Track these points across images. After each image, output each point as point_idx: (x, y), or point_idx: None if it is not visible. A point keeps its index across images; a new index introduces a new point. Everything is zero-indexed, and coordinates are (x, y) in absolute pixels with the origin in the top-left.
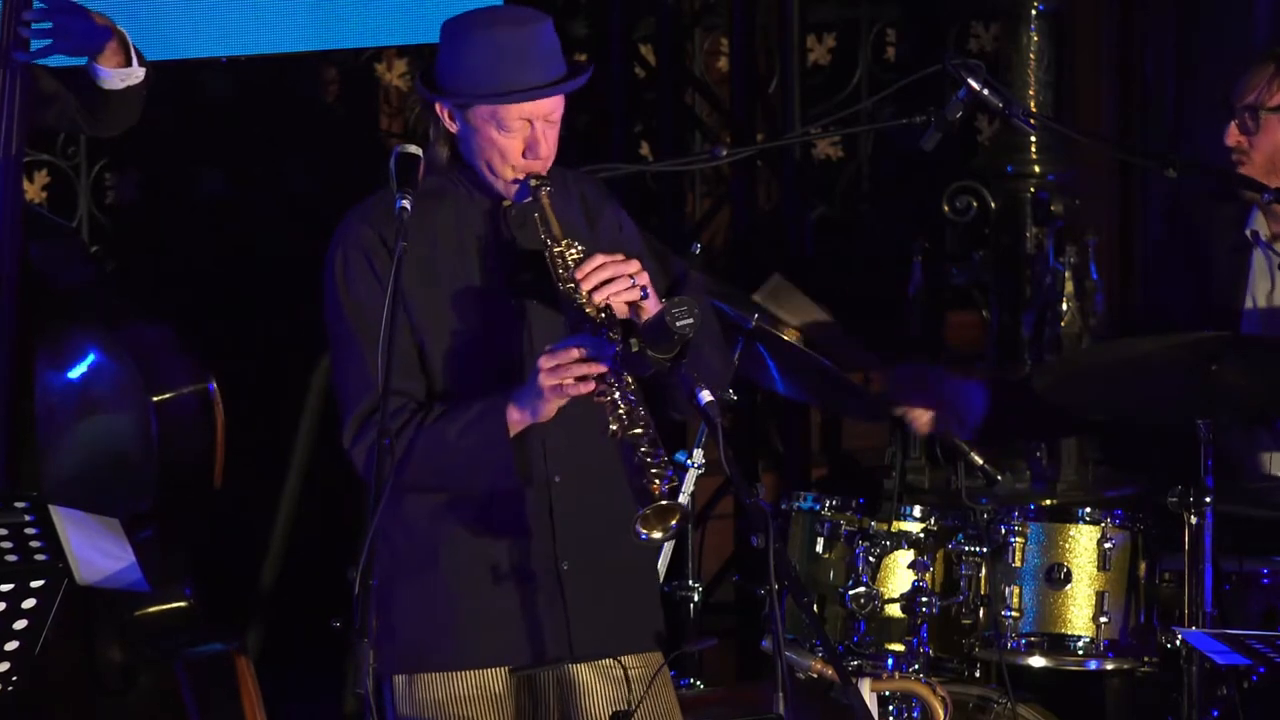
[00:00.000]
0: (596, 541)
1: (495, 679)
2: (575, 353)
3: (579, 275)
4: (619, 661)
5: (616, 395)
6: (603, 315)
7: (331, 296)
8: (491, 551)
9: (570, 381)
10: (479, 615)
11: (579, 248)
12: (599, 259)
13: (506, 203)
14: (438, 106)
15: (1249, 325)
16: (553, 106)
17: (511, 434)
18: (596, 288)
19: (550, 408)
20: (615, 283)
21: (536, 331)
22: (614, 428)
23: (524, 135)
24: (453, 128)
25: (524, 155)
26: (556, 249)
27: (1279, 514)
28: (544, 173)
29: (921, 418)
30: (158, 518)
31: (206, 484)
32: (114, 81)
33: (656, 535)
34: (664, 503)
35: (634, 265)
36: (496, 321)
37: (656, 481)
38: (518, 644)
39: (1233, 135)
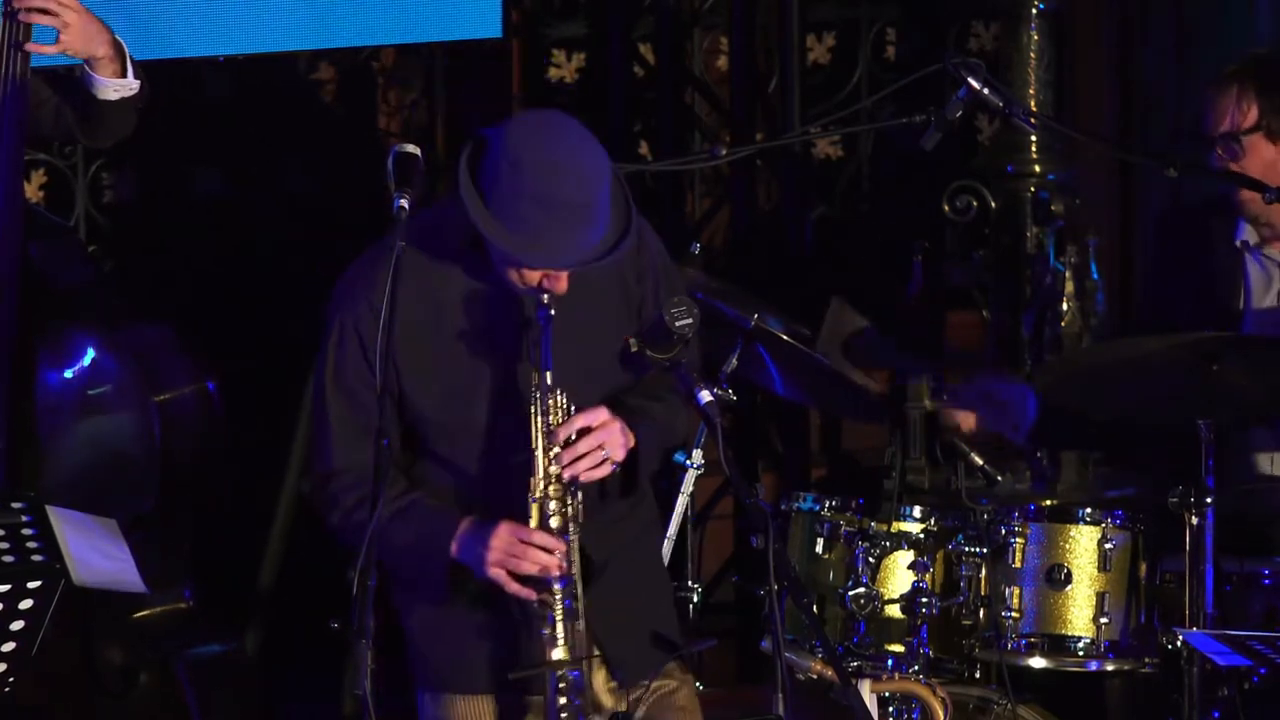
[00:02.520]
0: (610, 569)
1: (521, 705)
2: (528, 554)
3: (555, 440)
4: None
5: (556, 605)
6: (568, 494)
7: (321, 365)
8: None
9: (513, 581)
10: (497, 644)
11: (565, 404)
12: (578, 424)
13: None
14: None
15: (1250, 327)
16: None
17: (449, 562)
18: (570, 464)
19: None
20: (587, 458)
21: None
22: (545, 632)
23: (543, 273)
24: (478, 230)
25: (539, 284)
26: (546, 399)
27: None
28: (560, 293)
29: (967, 420)
30: (158, 519)
31: (207, 485)
32: (108, 92)
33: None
34: None
35: (612, 431)
36: (495, 387)
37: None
38: (539, 675)
39: (1221, 163)
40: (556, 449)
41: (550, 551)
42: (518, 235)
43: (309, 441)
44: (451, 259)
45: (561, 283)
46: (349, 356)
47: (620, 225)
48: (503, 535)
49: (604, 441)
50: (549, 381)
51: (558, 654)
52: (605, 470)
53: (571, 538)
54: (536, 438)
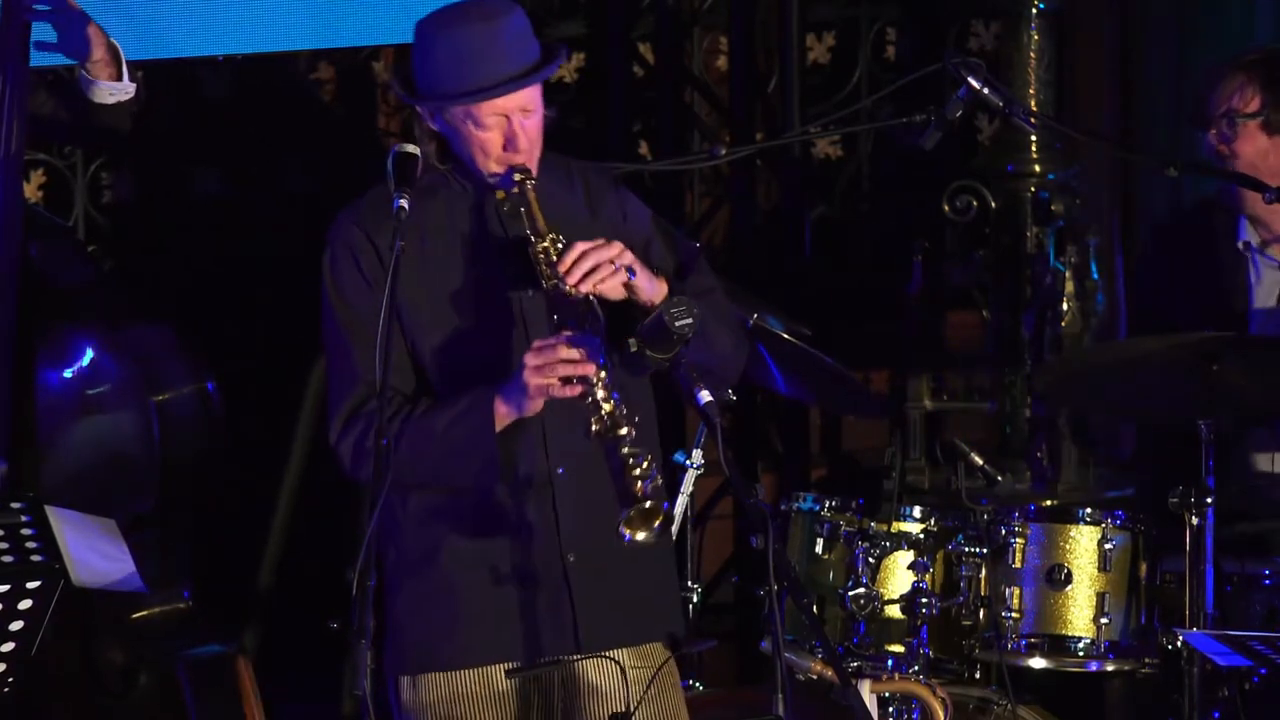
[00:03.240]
0: (601, 533)
1: (499, 677)
2: (561, 351)
3: (561, 269)
4: (624, 659)
5: (600, 394)
6: (588, 306)
7: (323, 296)
8: (495, 548)
9: (555, 382)
10: (483, 612)
11: (562, 240)
12: (578, 249)
13: (501, 195)
14: (417, 108)
15: (1257, 327)
16: (527, 98)
17: (499, 427)
18: (581, 279)
19: (537, 404)
20: (599, 270)
21: (531, 325)
22: (596, 428)
23: (502, 129)
24: (435, 127)
25: (504, 149)
26: (541, 244)
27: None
28: (527, 163)
29: None
30: (157, 519)
31: (206, 485)
32: (104, 95)
33: (640, 537)
34: (647, 504)
35: (615, 248)
36: (490, 315)
37: (640, 483)
38: (523, 640)
39: (1213, 145)
40: (568, 276)
41: (577, 354)
42: (450, 86)
43: (327, 390)
44: (427, 198)
45: (521, 144)
46: (345, 273)
47: (548, 55)
48: (532, 349)
49: (611, 256)
50: (540, 226)
51: (624, 433)
52: (620, 279)
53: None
54: (540, 272)
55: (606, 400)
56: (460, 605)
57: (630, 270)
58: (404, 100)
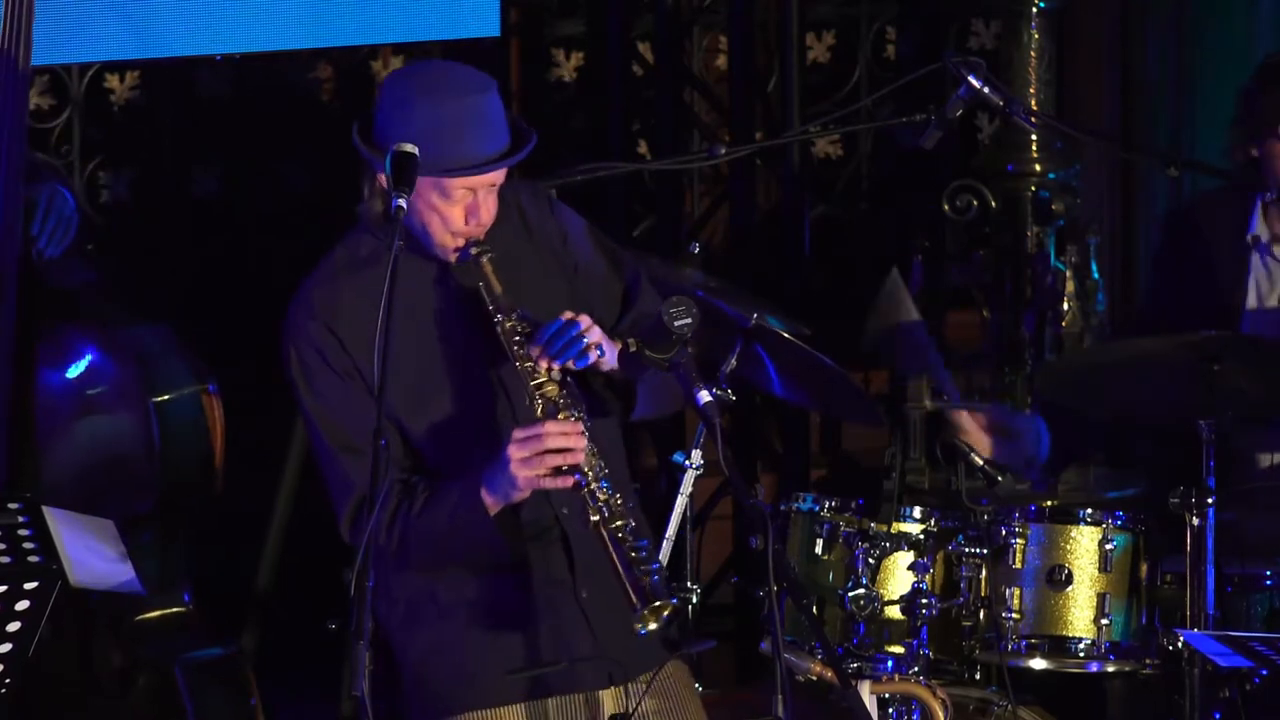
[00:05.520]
0: (607, 566)
1: (528, 714)
2: (548, 440)
3: (533, 353)
4: (647, 681)
5: (593, 484)
6: (564, 388)
7: (297, 396)
8: (511, 591)
9: (546, 473)
10: (508, 657)
11: (528, 320)
12: (550, 330)
13: (455, 268)
14: (376, 166)
15: (1250, 326)
16: (496, 176)
17: (492, 514)
18: (555, 353)
19: (525, 494)
20: (570, 344)
21: (513, 394)
22: (594, 519)
23: (465, 203)
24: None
25: (465, 222)
26: (508, 323)
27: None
28: (483, 238)
29: (977, 432)
30: (157, 520)
31: (206, 486)
32: None
33: (652, 627)
34: (658, 602)
35: (584, 323)
36: (469, 390)
37: (646, 578)
38: (553, 677)
39: None
40: (540, 359)
41: (565, 442)
42: (431, 155)
43: (327, 488)
44: (376, 270)
45: (484, 218)
46: (317, 375)
47: (520, 137)
48: (515, 440)
49: (579, 332)
50: (503, 302)
51: (623, 523)
52: (592, 356)
53: (581, 420)
54: (512, 352)
55: (601, 491)
56: (484, 651)
57: (600, 349)
58: (365, 157)
